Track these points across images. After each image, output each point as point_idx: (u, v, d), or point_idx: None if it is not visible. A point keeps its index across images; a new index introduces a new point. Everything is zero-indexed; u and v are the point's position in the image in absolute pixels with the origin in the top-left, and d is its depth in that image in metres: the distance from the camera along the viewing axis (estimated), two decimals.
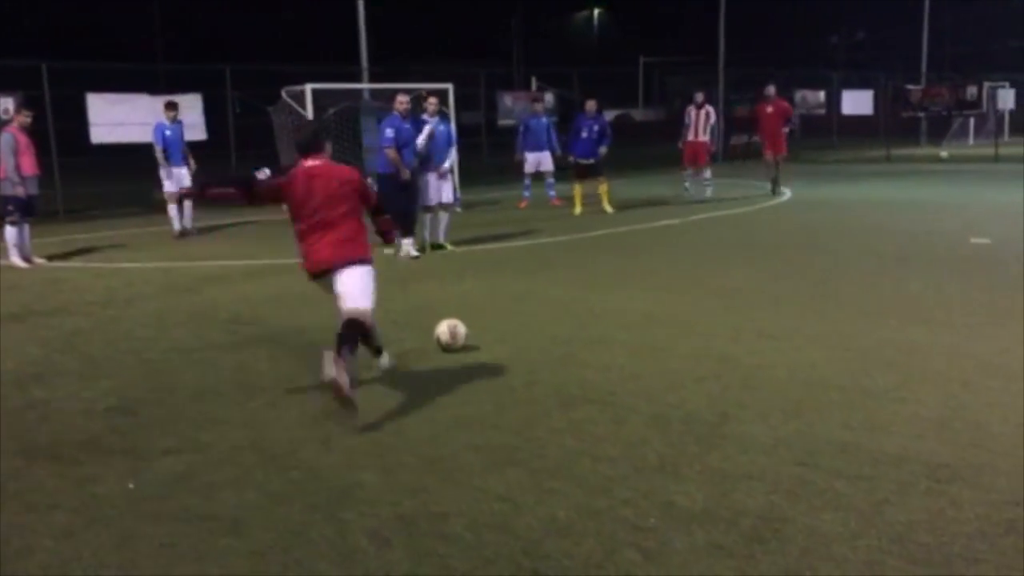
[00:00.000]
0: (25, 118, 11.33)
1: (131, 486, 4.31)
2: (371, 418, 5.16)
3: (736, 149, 28.24)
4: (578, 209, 14.98)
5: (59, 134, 16.48)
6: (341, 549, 3.63)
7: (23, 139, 11.07)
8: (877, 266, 9.65)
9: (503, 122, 23.20)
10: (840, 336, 6.73)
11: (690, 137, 16.69)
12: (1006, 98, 35.72)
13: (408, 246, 10.82)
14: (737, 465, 4.33)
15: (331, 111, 17.03)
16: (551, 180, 16.52)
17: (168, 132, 13.85)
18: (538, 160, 16.40)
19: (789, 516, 3.77)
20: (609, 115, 36.90)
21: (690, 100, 17.53)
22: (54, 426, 5.22)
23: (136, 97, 17.16)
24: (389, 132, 10.64)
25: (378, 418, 5.18)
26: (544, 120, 16.75)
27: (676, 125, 17.82)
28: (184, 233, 13.86)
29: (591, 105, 15.30)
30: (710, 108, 17.06)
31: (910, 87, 34.47)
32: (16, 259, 11.16)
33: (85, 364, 6.57)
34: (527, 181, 16.55)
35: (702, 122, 16.68)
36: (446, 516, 3.89)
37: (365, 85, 18.65)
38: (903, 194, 17.60)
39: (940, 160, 26.76)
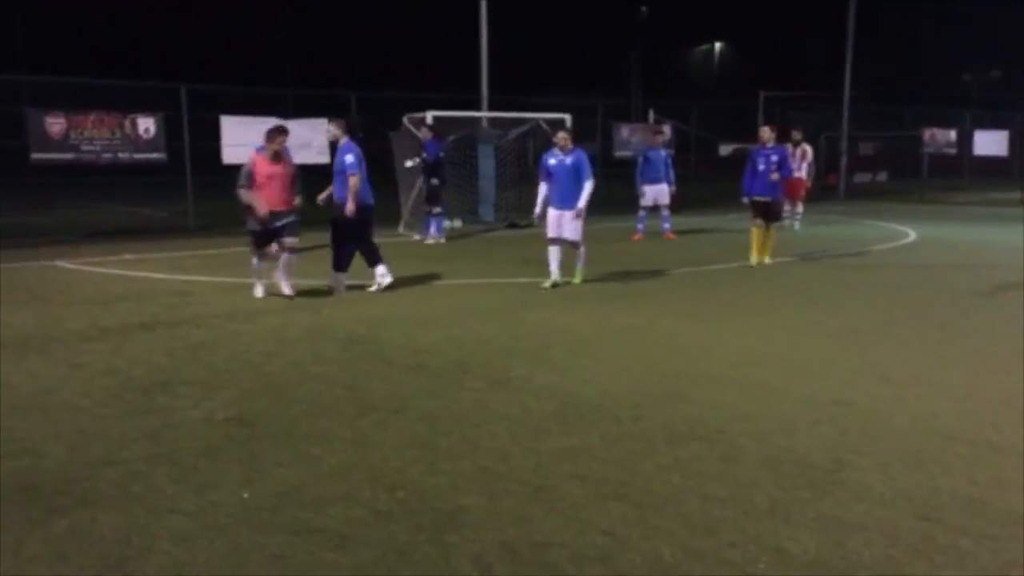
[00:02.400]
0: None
1: (245, 496, 4.44)
2: (477, 444, 5.20)
3: (858, 187, 27.44)
4: (755, 258, 12.83)
5: (194, 154, 17.30)
6: (444, 572, 3.65)
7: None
8: (1006, 313, 9.19)
9: (619, 153, 23.17)
10: (965, 385, 6.43)
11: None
12: None
13: (381, 276, 10.58)
14: (853, 514, 4.17)
15: (450, 138, 17.38)
16: (667, 213, 16.39)
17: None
18: (656, 193, 16.31)
19: (908, 572, 3.61)
20: (726, 149, 36.54)
21: (799, 136, 17.57)
22: (176, 433, 5.44)
23: (267, 120, 17.85)
24: (349, 158, 10.27)
25: (484, 444, 5.21)
26: (663, 153, 16.66)
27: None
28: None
29: (766, 133, 13.08)
30: (807, 146, 17.39)
31: None
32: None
33: (207, 375, 6.84)
34: (642, 214, 16.46)
35: (798, 159, 16.85)
36: (549, 546, 3.87)
37: (484, 113, 18.96)
38: None
39: None
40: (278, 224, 9.79)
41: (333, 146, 11.50)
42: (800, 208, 17.48)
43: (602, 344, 7.90)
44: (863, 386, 6.41)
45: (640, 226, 16.46)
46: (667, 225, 16.36)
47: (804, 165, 17.22)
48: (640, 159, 16.79)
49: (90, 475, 4.72)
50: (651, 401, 6.09)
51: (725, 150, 37.10)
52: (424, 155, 15.63)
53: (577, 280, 10.91)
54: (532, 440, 5.29)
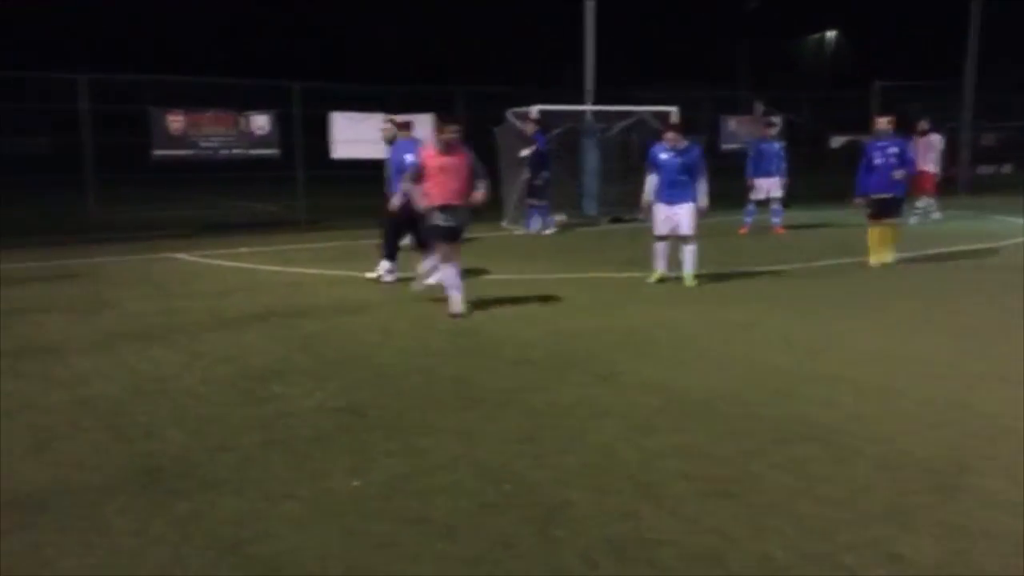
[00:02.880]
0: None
1: (356, 484, 4.54)
2: (582, 439, 5.19)
3: (981, 180, 26.25)
4: (874, 259, 12.01)
5: (305, 149, 17.78)
6: (551, 565, 3.65)
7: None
8: None
9: (726, 146, 22.75)
10: None
11: (920, 167, 15.88)
12: None
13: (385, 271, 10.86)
14: (976, 521, 3.99)
15: (554, 131, 17.38)
16: (778, 207, 16.01)
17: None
18: (769, 186, 15.96)
19: None
20: (837, 141, 35.38)
21: (927, 126, 17.00)
22: (289, 420, 5.60)
23: (374, 116, 18.19)
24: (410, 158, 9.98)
25: (589, 439, 5.19)
26: (776, 145, 16.26)
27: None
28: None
29: (882, 124, 12.07)
30: (935, 136, 16.77)
31: None
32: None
33: (318, 365, 7.01)
34: (750, 207, 16.11)
35: (922, 150, 16.34)
36: (657, 544, 3.83)
37: (589, 107, 18.87)
38: None
39: None
40: (453, 221, 8.84)
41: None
42: (926, 202, 16.95)
43: (709, 340, 7.77)
44: (984, 388, 6.13)
45: (748, 219, 16.12)
46: (777, 219, 15.97)
47: (931, 156, 16.66)
48: (752, 152, 16.42)
49: (210, 460, 4.90)
50: (761, 399, 5.95)
51: (836, 142, 35.99)
52: (536, 146, 15.81)
53: (689, 283, 10.44)
54: (638, 436, 5.24)
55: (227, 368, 6.90)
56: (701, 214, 10.47)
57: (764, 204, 16.05)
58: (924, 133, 16.58)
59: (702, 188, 10.40)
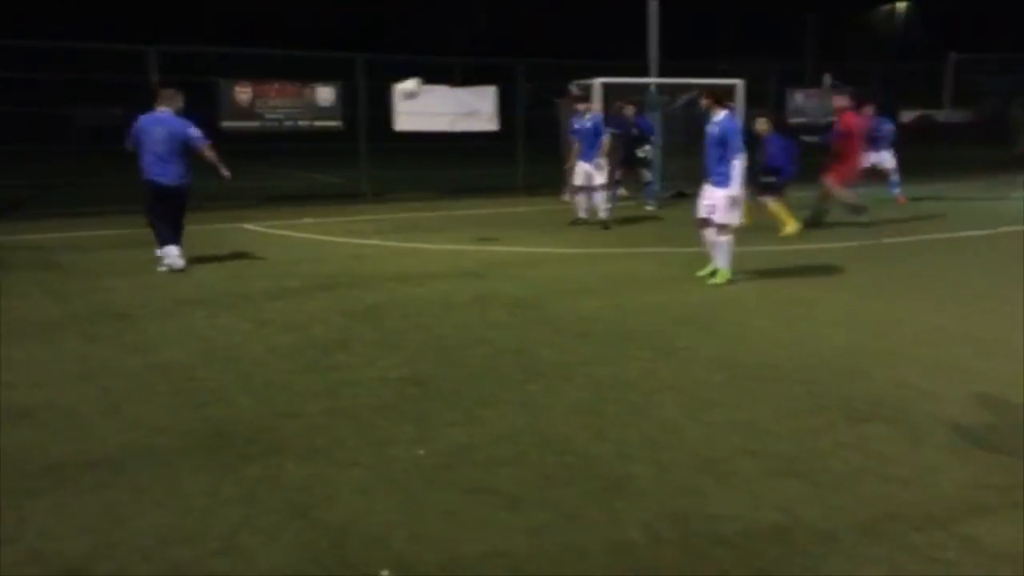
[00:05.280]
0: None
1: (421, 452, 4.59)
2: (644, 413, 5.17)
3: None
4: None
5: (368, 121, 17.89)
6: (614, 538, 3.66)
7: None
8: None
9: (794, 120, 22.30)
10: None
11: None
12: None
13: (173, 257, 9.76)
14: None
15: (617, 104, 17.20)
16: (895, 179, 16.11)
17: (577, 125, 13.63)
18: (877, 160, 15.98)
19: None
20: (908, 115, 34.46)
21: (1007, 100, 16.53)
22: (353, 389, 5.67)
23: (436, 89, 18.19)
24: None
25: (651, 414, 5.17)
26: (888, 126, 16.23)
27: (985, 127, 16.50)
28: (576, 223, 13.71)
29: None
30: None
31: None
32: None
33: (381, 335, 7.09)
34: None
35: None
36: (720, 519, 3.81)
37: (653, 79, 18.63)
38: None
39: None
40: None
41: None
42: None
43: (772, 315, 7.66)
44: None
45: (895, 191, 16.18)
46: (895, 190, 16.05)
47: None
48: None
49: (277, 425, 4.99)
50: (827, 376, 5.86)
51: (907, 117, 35.04)
52: (634, 130, 16.05)
53: (718, 280, 9.01)
54: (701, 411, 5.20)
55: (292, 336, 7.02)
56: (733, 203, 8.80)
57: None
58: None
59: (735, 171, 8.67)
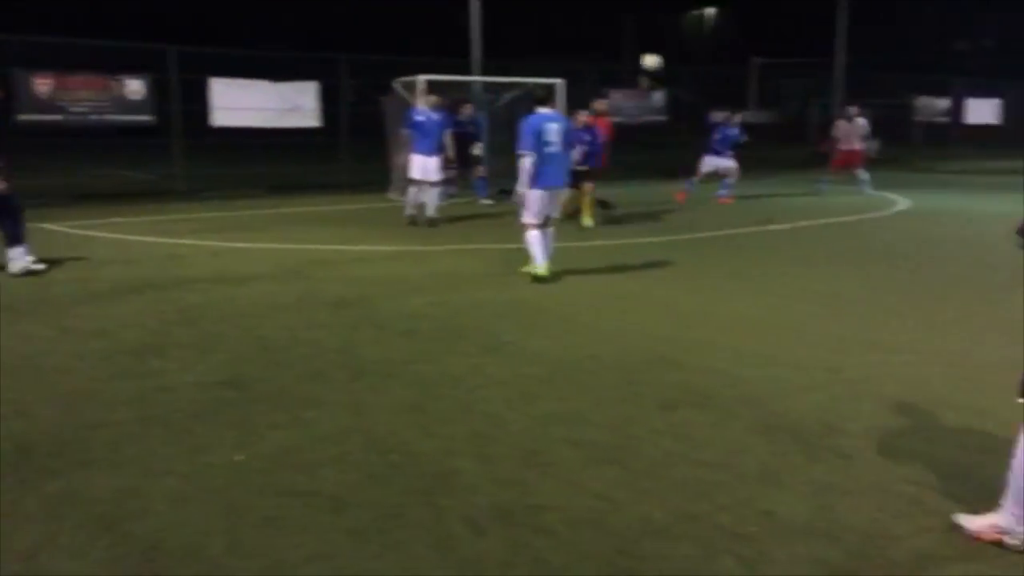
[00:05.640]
0: None
1: (239, 458, 4.45)
2: (470, 409, 5.23)
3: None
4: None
5: (182, 116, 17.15)
6: (437, 534, 3.68)
7: None
8: (994, 281, 9.22)
9: (612, 119, 23.03)
10: (954, 353, 6.47)
11: (844, 147, 18.60)
12: None
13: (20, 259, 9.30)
14: (843, 479, 4.21)
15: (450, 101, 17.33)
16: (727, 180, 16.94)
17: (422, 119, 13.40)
18: (717, 164, 16.95)
19: (895, 534, 3.65)
20: (718, 116, 36.17)
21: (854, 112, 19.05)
22: (168, 396, 5.44)
23: (256, 83, 17.68)
24: None
25: (477, 409, 5.23)
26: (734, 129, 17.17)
27: (788, 128, 17.69)
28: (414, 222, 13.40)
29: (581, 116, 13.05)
30: (862, 120, 18.82)
31: None
32: None
33: (199, 338, 6.82)
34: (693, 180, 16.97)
35: (855, 132, 18.63)
36: (542, 509, 3.90)
37: (477, 78, 18.80)
38: None
39: None
40: None
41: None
42: (863, 174, 18.67)
43: (594, 310, 7.91)
44: (854, 353, 6.45)
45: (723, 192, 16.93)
46: (723, 192, 16.86)
47: (860, 136, 18.73)
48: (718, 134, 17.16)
49: (84, 437, 4.72)
50: (644, 367, 6.11)
51: (717, 117, 36.92)
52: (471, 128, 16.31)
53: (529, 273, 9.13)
54: (525, 405, 5.31)
55: (101, 343, 6.65)
56: (522, 201, 9.11)
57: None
58: (852, 119, 18.70)
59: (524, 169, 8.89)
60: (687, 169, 17.25)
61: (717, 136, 16.94)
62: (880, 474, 4.28)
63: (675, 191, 16.90)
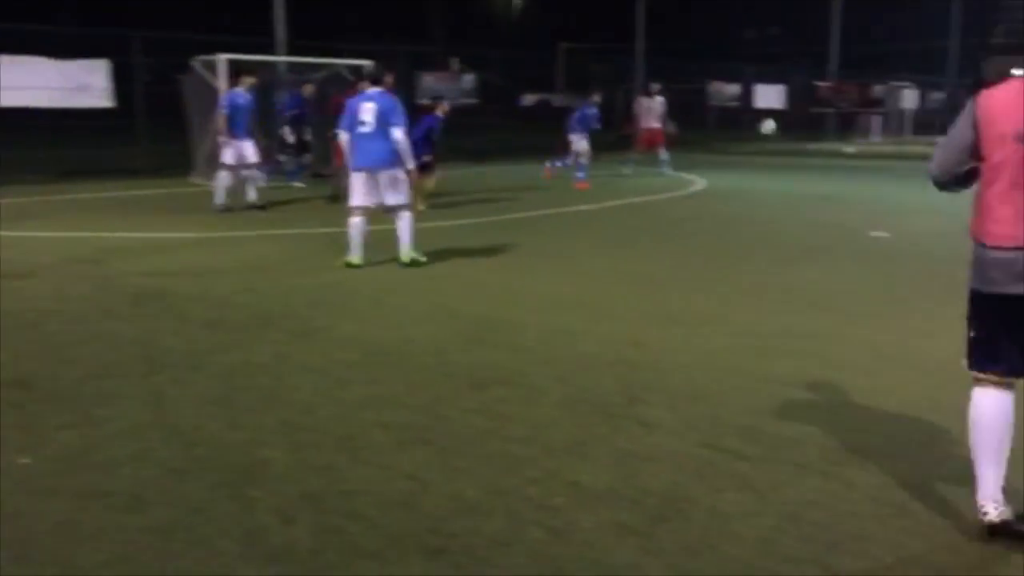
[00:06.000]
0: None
1: (25, 462, 4.16)
2: (279, 397, 5.11)
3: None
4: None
5: None
6: (246, 526, 3.58)
7: None
8: (781, 255, 9.92)
9: (423, 101, 23.03)
10: (744, 323, 6.91)
11: (644, 124, 19.33)
12: (908, 98, 37.21)
13: None
14: (644, 447, 4.42)
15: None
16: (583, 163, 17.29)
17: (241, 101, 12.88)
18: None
19: (692, 496, 3.87)
20: (529, 99, 36.93)
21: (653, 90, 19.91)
22: None
23: (43, 61, 16.45)
24: None
25: (286, 397, 5.12)
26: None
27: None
28: (229, 209, 12.83)
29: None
30: (661, 98, 19.61)
31: (819, 83, 35.48)
32: None
33: None
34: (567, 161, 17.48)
35: (656, 110, 19.39)
36: (353, 494, 3.87)
37: (282, 58, 18.29)
38: (809, 187, 18.10)
39: (846, 155, 27.63)
40: None
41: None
42: (664, 154, 19.42)
43: (406, 292, 7.90)
44: (655, 327, 6.76)
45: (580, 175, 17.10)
46: (580, 174, 17.05)
47: (660, 115, 19.62)
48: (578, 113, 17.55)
49: None
50: (456, 347, 6.17)
51: (529, 100, 37.59)
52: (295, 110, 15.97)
53: (406, 259, 9.04)
54: (336, 390, 5.24)
55: None
56: (409, 176, 9.05)
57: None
58: (653, 96, 19.63)
59: (402, 144, 8.71)
60: (498, 151, 17.49)
61: (576, 115, 17.36)
62: (678, 439, 4.51)
63: (480, 174, 17.13)
